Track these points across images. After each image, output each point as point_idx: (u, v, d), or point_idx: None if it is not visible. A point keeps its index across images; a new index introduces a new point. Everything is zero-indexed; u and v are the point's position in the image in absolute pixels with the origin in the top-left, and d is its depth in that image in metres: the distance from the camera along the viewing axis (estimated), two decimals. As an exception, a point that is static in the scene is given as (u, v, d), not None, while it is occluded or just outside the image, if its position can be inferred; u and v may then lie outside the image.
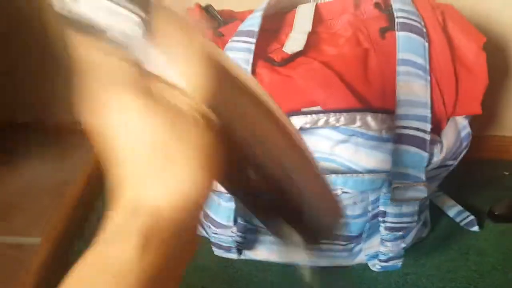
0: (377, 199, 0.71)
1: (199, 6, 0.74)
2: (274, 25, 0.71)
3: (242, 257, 0.80)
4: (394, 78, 0.64)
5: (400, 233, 0.73)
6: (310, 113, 0.64)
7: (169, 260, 0.23)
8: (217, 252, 0.81)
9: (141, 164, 0.23)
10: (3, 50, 1.04)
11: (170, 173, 0.22)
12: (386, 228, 0.72)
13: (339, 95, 0.64)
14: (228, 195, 0.67)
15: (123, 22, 0.20)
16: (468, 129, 0.69)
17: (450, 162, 0.73)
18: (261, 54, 0.67)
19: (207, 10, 0.74)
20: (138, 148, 0.22)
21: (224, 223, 0.69)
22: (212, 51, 0.24)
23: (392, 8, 0.68)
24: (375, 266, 0.81)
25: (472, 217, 0.92)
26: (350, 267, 0.85)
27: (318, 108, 0.65)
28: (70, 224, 0.94)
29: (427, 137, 0.64)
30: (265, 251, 0.79)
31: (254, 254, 0.80)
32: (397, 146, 0.64)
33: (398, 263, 0.78)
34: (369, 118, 0.64)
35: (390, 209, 0.69)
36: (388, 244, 0.75)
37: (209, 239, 0.85)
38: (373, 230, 0.78)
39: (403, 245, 0.75)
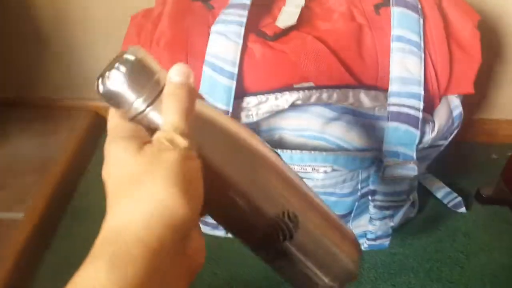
0: (367, 178, 0.70)
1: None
2: (266, -2, 0.70)
3: (229, 234, 0.79)
4: (388, 55, 0.63)
5: (389, 211, 0.73)
6: (302, 89, 0.63)
7: (148, 278, 0.23)
8: (204, 229, 0.80)
9: (119, 189, 0.26)
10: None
11: (142, 195, 0.25)
12: (375, 207, 0.72)
13: (332, 71, 0.63)
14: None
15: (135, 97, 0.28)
16: (460, 109, 0.68)
17: (441, 142, 0.73)
18: (253, 28, 0.65)
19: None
20: (117, 176, 0.26)
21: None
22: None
23: (387, -16, 0.67)
24: (363, 245, 0.81)
25: (459, 198, 0.92)
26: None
27: (310, 84, 0.64)
28: (54, 201, 0.92)
29: (420, 115, 0.63)
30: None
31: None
32: (389, 123, 0.64)
33: (386, 242, 0.78)
34: (362, 95, 0.63)
35: (380, 188, 0.69)
36: (377, 223, 0.74)
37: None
38: (362, 209, 0.77)
39: (392, 224, 0.75)
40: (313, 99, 0.63)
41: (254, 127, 0.67)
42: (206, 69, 0.62)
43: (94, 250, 0.24)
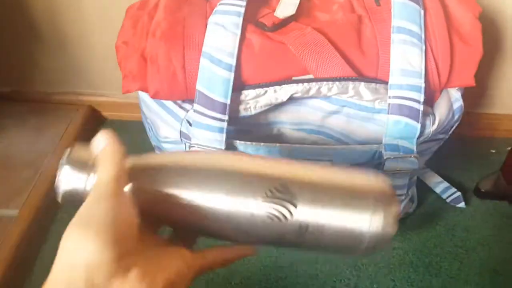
0: (367, 172, 0.69)
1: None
2: (265, -11, 0.69)
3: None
4: (388, 47, 0.62)
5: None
6: (302, 81, 0.62)
7: None
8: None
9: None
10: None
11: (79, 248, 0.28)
12: (376, 201, 0.71)
13: (331, 63, 0.61)
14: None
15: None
16: (460, 102, 0.67)
17: (441, 136, 0.72)
18: (251, 18, 0.64)
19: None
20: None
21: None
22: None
23: (387, -25, 0.66)
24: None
25: (458, 193, 0.92)
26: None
27: (310, 76, 0.63)
28: (49, 196, 0.91)
29: (420, 107, 0.62)
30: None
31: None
32: (389, 116, 0.63)
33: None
34: (362, 88, 0.62)
35: (380, 182, 0.68)
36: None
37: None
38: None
39: (391, 219, 0.74)
40: (312, 92, 0.62)
41: (253, 121, 0.66)
42: (203, 61, 0.61)
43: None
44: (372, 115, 0.64)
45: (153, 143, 0.77)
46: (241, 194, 0.32)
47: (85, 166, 0.33)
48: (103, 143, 0.33)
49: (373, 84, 0.63)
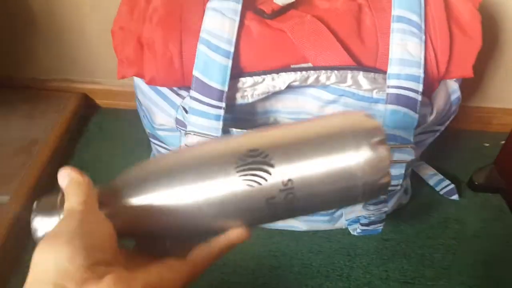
0: (363, 162, 0.69)
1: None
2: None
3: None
4: (388, 36, 0.62)
5: (384, 196, 0.72)
6: (300, 69, 0.62)
7: None
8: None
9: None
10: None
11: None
12: (371, 192, 0.71)
13: (330, 52, 0.61)
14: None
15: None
16: (458, 93, 0.67)
17: (437, 127, 0.72)
18: (250, 5, 0.63)
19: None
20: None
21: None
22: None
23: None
24: (356, 230, 0.80)
25: (452, 185, 0.92)
26: (330, 231, 0.85)
27: (308, 65, 0.62)
28: (40, 183, 0.90)
29: (419, 98, 0.62)
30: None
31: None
32: (387, 106, 0.62)
33: (379, 227, 0.77)
34: (361, 77, 0.62)
35: (376, 172, 0.68)
36: (371, 207, 0.73)
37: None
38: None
39: (386, 209, 0.74)
40: (310, 80, 0.62)
41: (249, 109, 0.66)
42: (201, 47, 0.60)
43: None
44: (370, 105, 0.64)
45: (148, 130, 0.76)
46: (211, 175, 0.30)
47: (55, 208, 0.33)
48: (67, 178, 0.33)
49: (372, 74, 0.62)
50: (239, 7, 0.60)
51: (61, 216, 0.32)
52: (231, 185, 0.30)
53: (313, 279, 0.78)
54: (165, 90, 0.65)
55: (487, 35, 0.65)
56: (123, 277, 0.28)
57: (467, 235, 0.86)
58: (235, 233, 0.33)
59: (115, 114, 1.09)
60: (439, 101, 0.66)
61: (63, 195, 0.33)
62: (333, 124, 0.31)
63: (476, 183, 0.94)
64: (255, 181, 0.30)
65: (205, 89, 0.60)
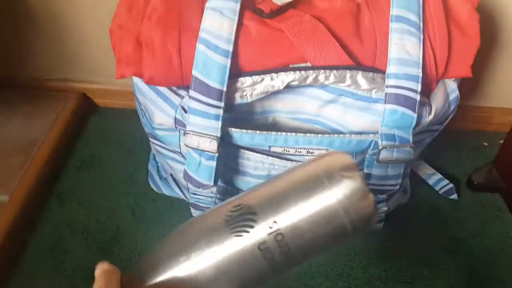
0: (361, 162, 0.69)
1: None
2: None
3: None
4: (386, 35, 0.62)
5: (384, 196, 0.73)
6: (299, 69, 0.62)
7: None
8: (195, 213, 0.78)
9: None
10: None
11: None
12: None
13: (329, 52, 0.61)
14: (210, 153, 0.64)
15: None
16: (456, 93, 0.67)
17: (436, 127, 0.72)
18: (249, 4, 0.63)
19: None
20: None
21: (204, 182, 0.67)
22: None
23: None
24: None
25: (451, 185, 0.92)
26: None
27: (307, 64, 0.62)
28: (39, 183, 0.90)
29: (418, 97, 0.62)
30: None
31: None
32: (386, 106, 0.62)
33: (379, 227, 0.77)
34: (360, 77, 0.62)
35: (375, 171, 0.68)
36: (371, 208, 0.73)
37: (186, 201, 0.83)
38: (355, 194, 0.77)
39: (385, 208, 0.74)
40: (309, 80, 0.62)
41: (248, 109, 0.66)
42: (200, 47, 0.60)
43: None
44: (368, 104, 0.64)
45: (147, 130, 0.76)
46: (211, 238, 0.32)
47: None
48: (99, 268, 0.35)
49: (371, 73, 0.62)
50: (237, 6, 0.60)
51: None
52: (224, 241, 0.32)
53: (312, 279, 0.78)
54: (164, 89, 0.65)
55: (486, 35, 0.66)
56: None
57: (465, 235, 0.86)
58: None
59: (114, 114, 1.09)
60: (438, 101, 0.66)
61: None
62: (309, 168, 0.33)
63: (475, 182, 0.94)
64: (243, 230, 0.32)
65: (204, 88, 0.60)
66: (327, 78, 0.62)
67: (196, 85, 0.61)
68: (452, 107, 0.68)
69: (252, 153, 0.67)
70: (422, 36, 0.62)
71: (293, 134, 0.64)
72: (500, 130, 1.04)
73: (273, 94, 0.64)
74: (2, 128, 1.00)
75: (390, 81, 0.62)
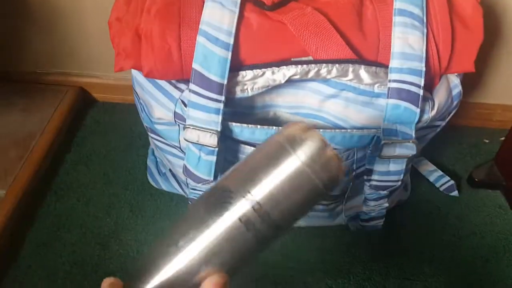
0: (363, 157, 0.69)
1: None
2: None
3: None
4: (389, 29, 0.61)
5: (385, 192, 0.72)
6: (301, 63, 0.61)
7: None
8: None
9: None
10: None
11: None
12: (371, 187, 0.70)
13: (332, 45, 0.60)
14: (210, 148, 0.63)
15: None
16: (459, 88, 0.66)
17: (438, 123, 0.71)
18: (250, -4, 0.62)
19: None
20: None
21: (204, 177, 0.66)
22: None
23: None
24: (356, 226, 0.80)
25: (452, 182, 0.92)
26: (330, 227, 0.84)
27: (309, 58, 0.61)
28: (37, 178, 0.89)
29: (420, 92, 0.61)
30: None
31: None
32: (388, 100, 0.62)
33: (379, 223, 0.77)
34: (362, 71, 0.61)
35: (376, 167, 0.67)
36: (371, 203, 0.73)
37: (186, 197, 0.82)
38: (356, 190, 0.76)
39: (386, 205, 0.74)
40: (311, 74, 0.61)
41: (249, 103, 0.65)
42: (200, 39, 0.59)
43: None
44: (371, 99, 0.63)
45: (146, 124, 0.76)
46: (196, 227, 0.34)
47: None
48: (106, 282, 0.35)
49: (373, 68, 0.61)
50: (239, -1, 0.60)
51: None
52: (209, 225, 0.33)
53: (312, 275, 0.78)
54: (163, 83, 0.65)
55: (489, 30, 0.65)
56: None
57: (466, 232, 0.86)
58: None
59: (112, 108, 1.08)
60: (441, 96, 0.65)
61: None
62: (272, 141, 0.35)
63: (475, 179, 0.93)
64: (223, 208, 0.33)
65: (205, 82, 0.59)
66: (329, 72, 0.61)
67: (196, 78, 0.60)
68: (455, 103, 0.68)
69: (252, 148, 0.67)
70: (425, 30, 0.61)
71: (294, 129, 0.63)
72: (501, 127, 1.04)
73: (274, 88, 0.63)
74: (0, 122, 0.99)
75: (393, 76, 0.61)
